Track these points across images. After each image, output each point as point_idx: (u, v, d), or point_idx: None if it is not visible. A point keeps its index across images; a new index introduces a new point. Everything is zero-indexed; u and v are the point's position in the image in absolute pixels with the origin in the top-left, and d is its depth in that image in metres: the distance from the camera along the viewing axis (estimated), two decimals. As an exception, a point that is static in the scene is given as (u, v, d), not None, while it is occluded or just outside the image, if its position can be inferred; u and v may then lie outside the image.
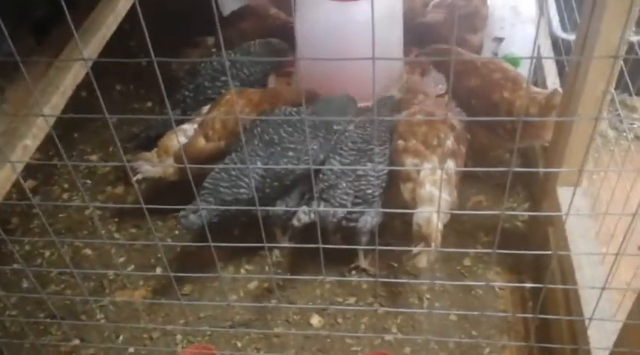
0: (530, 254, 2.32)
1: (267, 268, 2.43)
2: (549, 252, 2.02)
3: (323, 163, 2.37)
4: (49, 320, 2.29)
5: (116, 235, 2.63)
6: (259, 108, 2.60)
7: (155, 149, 2.53)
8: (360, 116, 2.65)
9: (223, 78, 2.73)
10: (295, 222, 2.16)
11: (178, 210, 2.20)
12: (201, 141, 2.49)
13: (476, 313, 2.18)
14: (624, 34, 1.56)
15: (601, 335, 1.66)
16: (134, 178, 2.41)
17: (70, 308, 2.35)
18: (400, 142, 2.30)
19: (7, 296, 2.38)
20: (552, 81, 2.71)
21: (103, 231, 2.63)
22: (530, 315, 2.12)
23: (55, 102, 1.91)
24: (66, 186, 2.88)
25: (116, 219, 2.69)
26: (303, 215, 2.16)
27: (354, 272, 2.41)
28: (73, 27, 0.93)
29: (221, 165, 2.33)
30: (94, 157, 3.02)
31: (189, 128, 2.56)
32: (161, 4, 2.49)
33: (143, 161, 2.46)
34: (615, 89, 2.70)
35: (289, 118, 2.40)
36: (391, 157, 2.36)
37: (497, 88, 2.44)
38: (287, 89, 2.80)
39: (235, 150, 2.41)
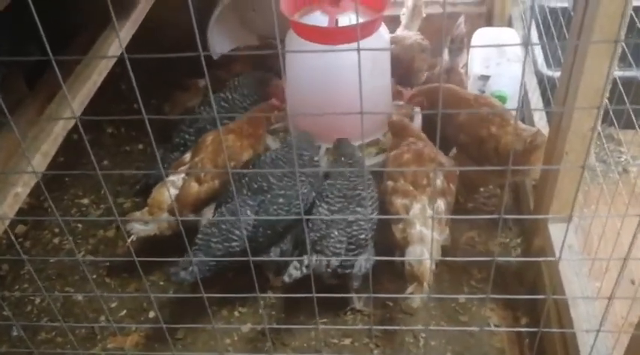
0: (525, 292, 2.32)
1: (260, 311, 2.41)
2: (543, 297, 2.02)
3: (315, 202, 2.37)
4: (40, 369, 2.25)
5: (107, 280, 2.60)
6: (244, 138, 2.61)
7: (146, 208, 2.46)
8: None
9: (225, 121, 2.72)
10: (286, 279, 2.11)
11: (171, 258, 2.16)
12: (194, 186, 2.45)
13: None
14: (609, 76, 1.59)
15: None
16: (128, 241, 2.37)
17: (61, 357, 2.31)
18: (389, 182, 2.31)
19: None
20: (540, 116, 2.75)
21: (94, 276, 2.60)
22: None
23: (46, 150, 1.90)
24: (57, 230, 2.85)
25: (107, 263, 2.66)
26: (295, 271, 2.11)
27: (349, 313, 2.39)
28: (62, 82, 0.93)
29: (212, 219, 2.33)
30: (85, 201, 3.00)
31: (177, 179, 2.50)
32: (153, 46, 2.51)
33: (136, 222, 2.39)
34: (602, 123, 2.76)
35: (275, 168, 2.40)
36: (380, 197, 2.36)
37: (485, 124, 2.46)
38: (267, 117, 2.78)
39: (225, 202, 2.37)
